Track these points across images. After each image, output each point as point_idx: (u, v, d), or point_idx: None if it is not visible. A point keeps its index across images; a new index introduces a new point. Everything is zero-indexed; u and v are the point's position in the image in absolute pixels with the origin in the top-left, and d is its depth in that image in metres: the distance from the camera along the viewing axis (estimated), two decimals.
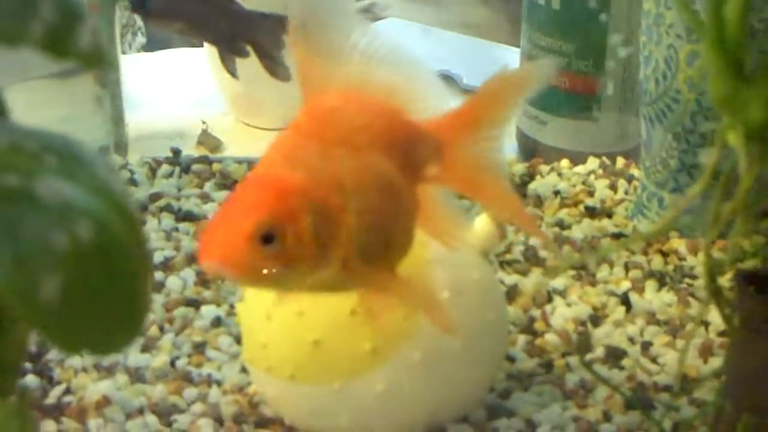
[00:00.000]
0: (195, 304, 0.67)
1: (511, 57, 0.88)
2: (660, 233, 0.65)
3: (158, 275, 0.69)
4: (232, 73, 0.80)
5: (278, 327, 0.53)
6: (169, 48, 1.12)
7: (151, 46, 1.24)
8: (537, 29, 0.86)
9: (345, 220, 0.42)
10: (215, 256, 0.41)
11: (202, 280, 0.69)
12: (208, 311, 0.66)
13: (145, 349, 0.63)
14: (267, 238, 0.41)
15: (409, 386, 0.53)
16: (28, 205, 0.32)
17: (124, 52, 1.17)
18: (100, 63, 0.35)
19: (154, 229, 0.73)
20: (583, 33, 0.84)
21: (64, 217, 0.33)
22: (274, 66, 0.80)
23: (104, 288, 0.34)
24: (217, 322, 0.65)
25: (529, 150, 0.90)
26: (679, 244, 0.73)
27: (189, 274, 0.69)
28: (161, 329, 0.65)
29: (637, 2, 0.77)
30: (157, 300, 0.67)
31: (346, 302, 0.52)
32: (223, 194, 0.78)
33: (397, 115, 0.46)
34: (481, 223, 0.56)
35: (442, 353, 0.53)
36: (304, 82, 0.45)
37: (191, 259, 0.71)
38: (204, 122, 0.94)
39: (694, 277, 0.71)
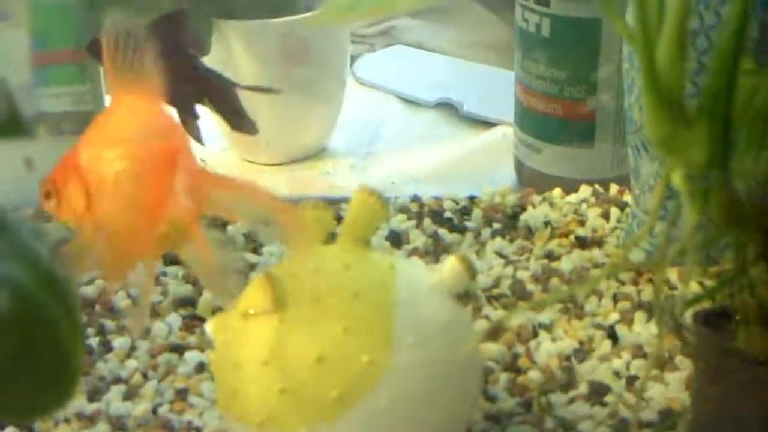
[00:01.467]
0: (179, 349, 0.67)
1: (513, 82, 0.88)
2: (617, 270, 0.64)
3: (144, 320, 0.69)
4: (198, 139, 0.80)
5: (246, 375, 0.53)
6: None
7: None
8: (528, 56, 0.86)
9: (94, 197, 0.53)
10: None
11: (188, 326, 0.69)
12: (192, 357, 0.66)
13: (128, 396, 0.63)
14: (47, 195, 0.54)
15: (378, 431, 0.53)
16: None
17: None
18: (14, 133, 0.35)
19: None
20: (574, 60, 0.84)
21: None
22: (238, 122, 0.80)
23: (25, 355, 0.34)
24: (200, 368, 0.65)
25: (525, 177, 0.90)
26: (670, 272, 0.72)
27: (175, 319, 0.70)
28: (145, 376, 0.65)
29: None
30: (142, 346, 0.67)
31: (311, 350, 0.52)
32: (218, 235, 0.78)
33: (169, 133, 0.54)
34: (450, 264, 0.56)
35: (411, 397, 0.52)
36: (109, 75, 0.54)
37: (178, 303, 0.71)
38: (203, 159, 0.94)
39: (673, 301, 0.70)
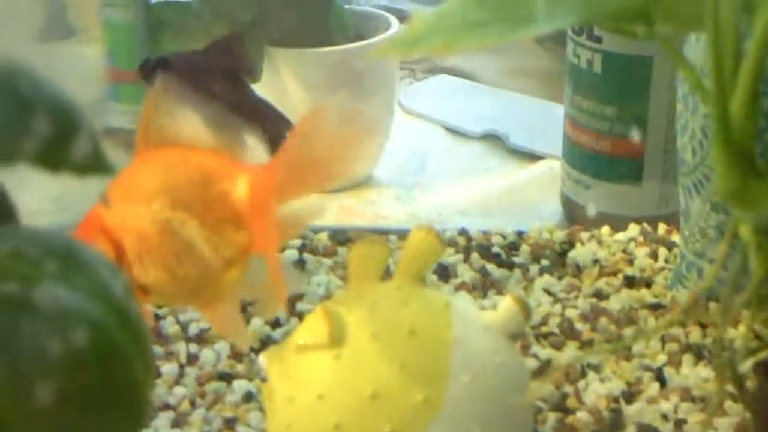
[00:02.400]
0: (227, 378, 0.67)
1: (559, 114, 0.88)
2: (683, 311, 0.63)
3: (193, 348, 0.69)
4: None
5: (300, 410, 0.53)
6: None
7: None
8: (579, 92, 0.86)
9: (133, 256, 0.52)
10: None
11: (235, 354, 0.69)
12: (240, 386, 0.66)
13: (176, 424, 0.64)
14: None
15: None
16: (25, 313, 0.32)
17: None
18: (97, 171, 0.35)
19: None
20: (624, 97, 0.84)
21: (60, 323, 0.33)
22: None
23: (100, 393, 0.34)
24: (248, 397, 0.65)
25: (573, 213, 0.90)
26: (718, 315, 0.72)
27: (223, 347, 0.70)
28: (193, 404, 0.65)
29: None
30: (191, 373, 0.68)
31: (366, 386, 0.52)
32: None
33: (210, 170, 0.53)
34: (506, 304, 0.56)
35: None
36: (140, 134, 0.54)
37: None
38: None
39: (734, 351, 0.70)
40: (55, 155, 0.33)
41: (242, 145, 0.55)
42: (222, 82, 0.79)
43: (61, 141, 0.33)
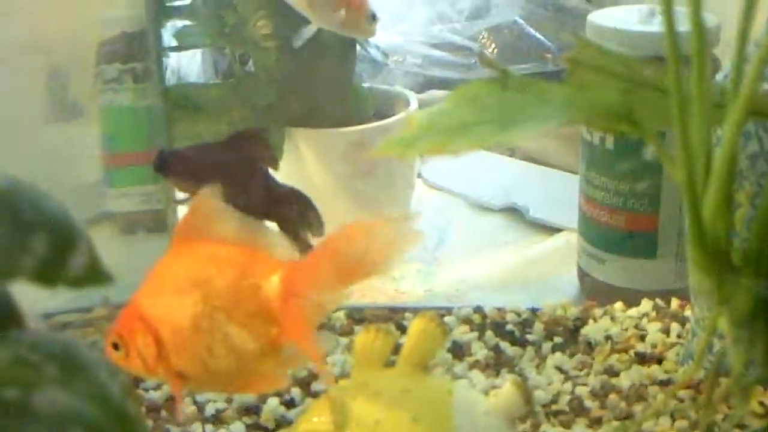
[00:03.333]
0: None
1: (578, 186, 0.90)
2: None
3: (209, 428, 0.71)
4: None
5: None
6: None
7: None
8: (592, 168, 0.88)
9: (170, 346, 0.55)
10: None
11: None
12: None
13: None
14: (115, 346, 0.56)
15: None
16: (24, 418, 0.34)
17: None
18: (94, 283, 0.37)
19: None
20: (637, 173, 0.86)
21: (57, 427, 0.35)
22: (294, 241, 0.83)
23: None
24: None
25: (588, 287, 0.91)
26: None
27: (239, 427, 0.71)
28: None
29: None
30: None
31: None
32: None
33: (244, 265, 0.56)
34: (507, 390, 0.57)
35: None
36: (179, 230, 0.57)
37: (242, 411, 0.73)
38: None
39: (743, 427, 0.70)
40: (53, 271, 0.35)
41: (272, 244, 0.58)
42: (244, 173, 0.81)
43: (59, 257, 0.36)
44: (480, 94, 0.51)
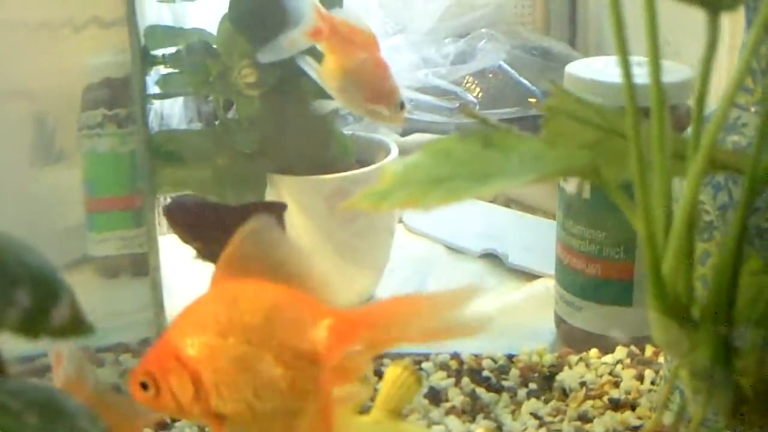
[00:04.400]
0: None
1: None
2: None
3: None
4: None
5: None
6: None
7: None
8: (569, 217, 0.89)
9: (206, 388, 0.53)
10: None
11: None
12: None
13: None
14: (143, 385, 0.54)
15: None
16: None
17: None
18: (77, 334, 0.39)
19: (188, 424, 0.77)
20: (613, 222, 0.87)
21: None
22: None
23: None
24: None
25: (566, 333, 0.92)
26: None
27: None
28: None
29: None
30: None
31: None
32: None
33: (292, 308, 0.54)
34: None
35: None
36: (223, 261, 0.55)
37: None
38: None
39: None
40: (36, 323, 0.37)
41: (321, 285, 0.56)
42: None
43: (42, 310, 0.37)
44: (454, 148, 0.53)
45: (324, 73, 0.90)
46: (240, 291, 0.54)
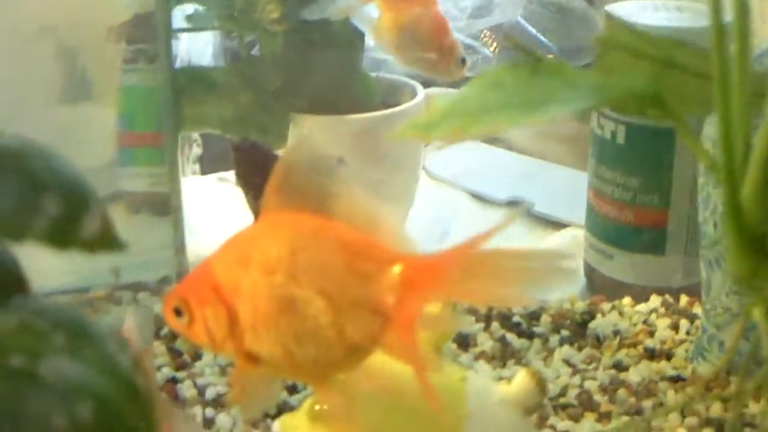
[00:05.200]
0: None
1: (585, 183, 0.88)
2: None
3: (209, 411, 0.70)
4: None
5: None
6: (223, 171, 1.14)
7: (204, 169, 1.25)
8: (602, 163, 0.87)
9: (242, 325, 0.49)
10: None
11: (252, 419, 0.69)
12: None
13: None
14: (177, 311, 0.50)
15: None
16: (30, 386, 0.33)
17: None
18: (106, 247, 0.36)
19: (209, 364, 0.75)
20: (648, 168, 0.84)
21: (65, 397, 0.33)
22: None
23: None
24: None
25: (595, 283, 0.90)
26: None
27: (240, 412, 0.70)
28: None
29: None
30: None
31: None
32: None
33: (357, 249, 0.48)
34: (521, 379, 0.56)
35: None
36: (270, 191, 0.49)
37: None
38: None
39: (755, 426, 0.69)
40: (65, 233, 0.34)
41: (392, 231, 0.50)
42: None
43: (71, 219, 0.34)
44: (505, 78, 0.50)
45: (380, 30, 0.87)
46: (294, 225, 0.48)
